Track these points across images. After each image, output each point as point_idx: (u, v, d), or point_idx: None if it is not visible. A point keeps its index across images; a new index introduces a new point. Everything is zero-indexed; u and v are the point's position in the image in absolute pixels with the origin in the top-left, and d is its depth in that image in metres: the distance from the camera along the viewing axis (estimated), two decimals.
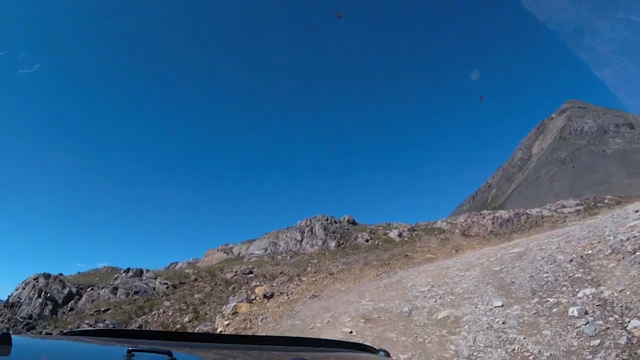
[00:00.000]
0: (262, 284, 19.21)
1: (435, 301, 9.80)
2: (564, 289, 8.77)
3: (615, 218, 17.14)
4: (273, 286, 17.75)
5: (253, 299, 15.14)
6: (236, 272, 22.64)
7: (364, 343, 2.09)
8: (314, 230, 28.29)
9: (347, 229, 28.94)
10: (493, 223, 28.89)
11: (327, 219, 29.46)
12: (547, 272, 10.87)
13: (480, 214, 30.92)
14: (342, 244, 26.51)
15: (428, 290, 11.25)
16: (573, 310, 6.98)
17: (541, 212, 29.50)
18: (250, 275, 21.93)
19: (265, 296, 15.12)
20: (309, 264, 22.30)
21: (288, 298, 14.84)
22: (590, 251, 11.62)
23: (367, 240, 26.59)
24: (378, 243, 25.86)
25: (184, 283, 21.83)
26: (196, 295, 19.56)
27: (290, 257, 25.58)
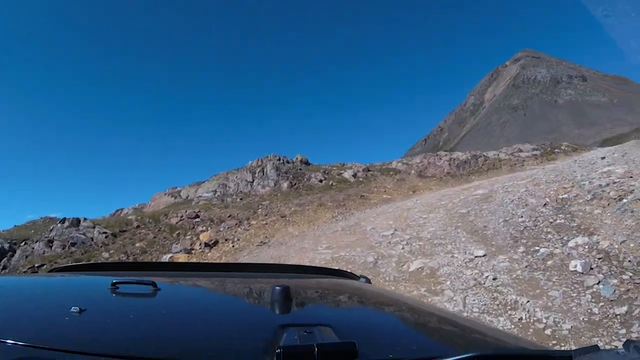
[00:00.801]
0: (209, 228, 17.65)
1: (402, 248, 8.47)
2: (550, 236, 7.67)
3: (580, 164, 16.61)
4: (220, 231, 16.21)
5: (192, 249, 13.50)
6: (182, 216, 20.70)
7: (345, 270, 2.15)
8: (265, 170, 26.74)
9: (300, 169, 27.58)
10: (450, 164, 28.31)
11: (279, 159, 27.87)
12: (522, 217, 9.91)
13: (437, 155, 30.26)
14: (295, 184, 25.22)
15: (391, 234, 9.98)
16: (575, 265, 5.77)
17: (498, 155, 29.20)
18: (197, 220, 20.17)
19: (206, 245, 13.51)
20: (260, 206, 20.85)
21: (233, 246, 13.30)
22: (565, 195, 10.81)
23: (320, 181, 25.35)
24: (332, 183, 24.72)
25: (125, 231, 19.73)
26: (137, 244, 17.72)
27: (241, 199, 24.13)
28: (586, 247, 6.54)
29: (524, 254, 6.78)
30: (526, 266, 6.18)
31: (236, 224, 17.08)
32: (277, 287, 1.04)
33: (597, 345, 0.93)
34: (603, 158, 16.67)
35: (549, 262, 6.17)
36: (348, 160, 30.69)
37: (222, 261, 11.45)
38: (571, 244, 6.93)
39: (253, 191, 25.48)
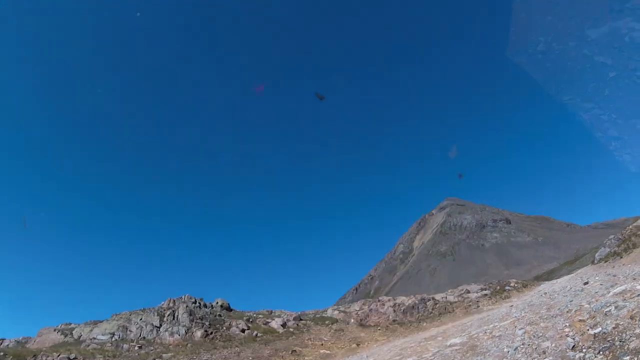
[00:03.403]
0: None
1: None
2: None
3: (562, 294, 13.91)
4: None
5: None
6: None
7: None
8: (176, 314, 21.89)
9: (220, 315, 22.84)
10: (395, 311, 24.85)
11: (194, 302, 23.20)
12: None
13: (379, 301, 26.84)
14: (212, 333, 20.40)
15: None
16: None
17: (446, 297, 26.40)
18: None
19: None
20: None
21: None
22: (597, 329, 7.61)
23: (243, 330, 20.61)
24: (257, 334, 20.04)
25: None
26: None
27: (140, 347, 19.04)
28: None
29: None
30: None
31: None
32: None
33: None
34: (586, 283, 14.15)
35: None
36: (276, 307, 26.27)
37: None
38: None
39: (159, 338, 20.54)
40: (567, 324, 8.51)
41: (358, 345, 18.59)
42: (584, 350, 6.67)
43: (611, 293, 9.63)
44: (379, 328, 22.92)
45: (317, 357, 16.53)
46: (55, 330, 23.36)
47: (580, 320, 8.36)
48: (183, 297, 23.45)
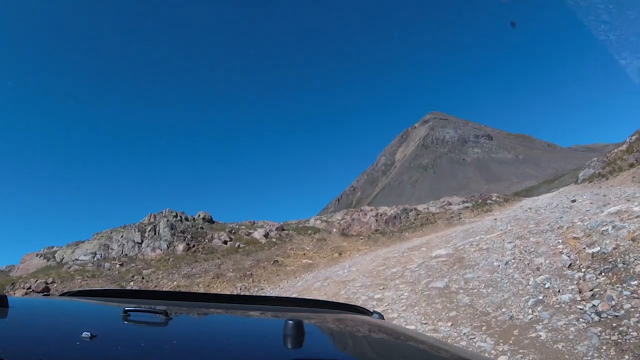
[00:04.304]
0: None
1: None
2: None
3: (548, 210, 13.74)
4: None
5: None
6: (29, 288, 16.02)
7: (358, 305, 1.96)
8: (157, 229, 21.66)
9: (202, 227, 22.67)
10: (377, 220, 24.95)
11: (175, 215, 22.88)
12: (559, 291, 5.83)
13: (361, 211, 26.92)
14: (194, 246, 20.30)
15: None
16: None
17: (428, 208, 26.46)
18: (46, 295, 15.02)
19: None
20: (135, 277, 15.55)
21: None
22: (596, 248, 7.25)
23: (225, 242, 20.52)
24: (239, 245, 19.99)
25: None
26: None
27: (121, 264, 18.94)
28: None
29: None
30: None
31: None
32: (290, 321, 1.01)
33: None
34: (574, 201, 13.87)
35: None
36: (259, 218, 26.21)
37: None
38: None
39: (141, 254, 20.45)
40: (560, 241, 8.16)
41: (340, 254, 18.64)
42: (582, 270, 6.30)
43: (605, 212, 9.26)
44: (361, 237, 23.04)
45: (299, 267, 16.55)
46: (37, 255, 22.83)
47: (574, 238, 8.00)
48: (164, 211, 23.05)
